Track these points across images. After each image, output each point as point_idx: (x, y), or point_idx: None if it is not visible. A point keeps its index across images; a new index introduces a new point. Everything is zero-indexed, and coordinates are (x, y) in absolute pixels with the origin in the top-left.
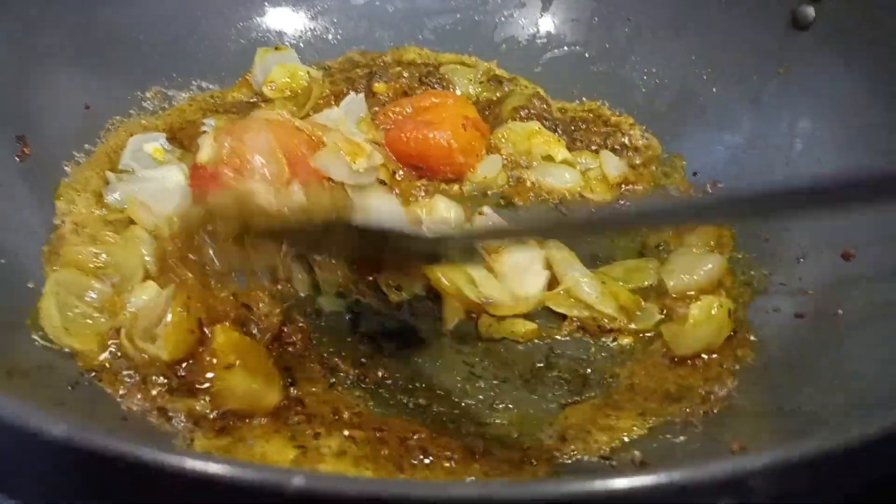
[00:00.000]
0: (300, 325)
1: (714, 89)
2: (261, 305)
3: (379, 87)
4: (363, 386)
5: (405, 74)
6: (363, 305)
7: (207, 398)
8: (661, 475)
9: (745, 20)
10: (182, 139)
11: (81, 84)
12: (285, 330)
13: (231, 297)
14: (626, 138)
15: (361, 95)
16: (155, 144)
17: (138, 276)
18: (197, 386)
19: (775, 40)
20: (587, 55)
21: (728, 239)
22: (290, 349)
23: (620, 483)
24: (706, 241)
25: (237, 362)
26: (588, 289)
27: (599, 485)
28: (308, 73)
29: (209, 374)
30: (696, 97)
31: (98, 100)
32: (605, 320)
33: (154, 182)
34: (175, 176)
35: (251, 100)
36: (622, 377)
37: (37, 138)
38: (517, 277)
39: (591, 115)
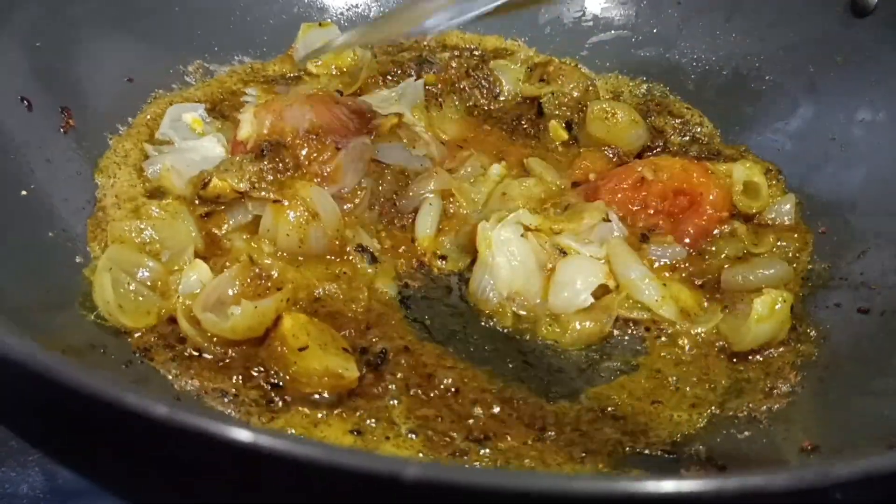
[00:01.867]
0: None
1: (768, 77)
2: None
3: (429, 77)
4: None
5: (453, 65)
6: (413, 291)
7: (279, 381)
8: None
9: (801, 5)
10: (222, 110)
11: (124, 56)
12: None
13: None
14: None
15: (421, 81)
16: (194, 114)
17: (189, 252)
18: (266, 369)
19: (833, 27)
20: (634, 39)
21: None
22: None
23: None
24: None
25: (309, 344)
26: (649, 291)
27: (695, 484)
28: (353, 50)
29: (282, 361)
30: (748, 84)
31: (141, 73)
32: (665, 325)
33: (192, 152)
34: (214, 147)
35: (294, 74)
36: (680, 370)
37: (80, 110)
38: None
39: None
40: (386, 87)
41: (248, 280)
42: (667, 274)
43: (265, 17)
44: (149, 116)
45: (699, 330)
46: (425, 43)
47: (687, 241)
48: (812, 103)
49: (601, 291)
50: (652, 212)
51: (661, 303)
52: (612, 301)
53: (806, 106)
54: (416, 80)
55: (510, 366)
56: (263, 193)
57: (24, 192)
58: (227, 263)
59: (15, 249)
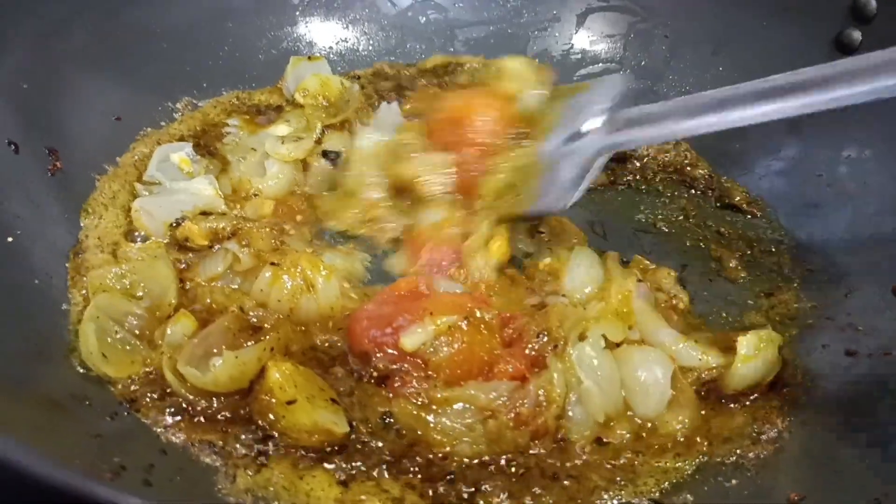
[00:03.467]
0: None
1: None
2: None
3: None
4: None
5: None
6: None
7: (266, 433)
8: None
9: (788, 41)
10: (207, 144)
11: (112, 96)
12: None
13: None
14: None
15: (395, 103)
16: (181, 154)
17: (171, 295)
18: (253, 421)
19: (819, 63)
20: (622, 72)
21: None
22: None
23: None
24: None
25: (297, 397)
26: (687, 353)
27: None
28: (342, 82)
29: (270, 414)
30: None
31: (129, 111)
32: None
33: (185, 195)
34: (205, 188)
35: (279, 104)
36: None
37: (68, 151)
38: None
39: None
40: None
41: (238, 331)
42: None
43: (254, 52)
44: (136, 157)
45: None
46: (405, 71)
47: None
48: (798, 140)
49: None
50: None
51: (704, 358)
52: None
53: (792, 143)
54: (388, 103)
55: None
56: (229, 246)
57: (9, 239)
58: (208, 315)
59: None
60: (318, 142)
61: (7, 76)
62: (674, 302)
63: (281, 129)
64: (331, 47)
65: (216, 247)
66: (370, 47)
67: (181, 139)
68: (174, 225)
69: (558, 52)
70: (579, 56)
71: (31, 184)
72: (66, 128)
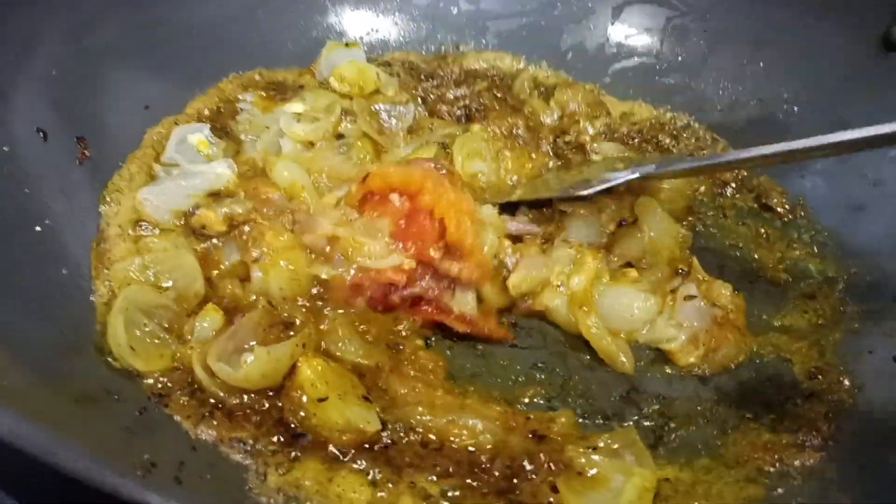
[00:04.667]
0: None
1: (796, 108)
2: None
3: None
4: None
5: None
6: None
7: (297, 431)
8: None
9: (832, 37)
10: (223, 123)
11: (142, 85)
12: None
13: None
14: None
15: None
16: (199, 136)
17: (198, 285)
18: (284, 418)
19: (864, 61)
20: (659, 66)
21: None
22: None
23: None
24: None
25: (329, 394)
26: None
27: None
28: (378, 74)
29: (301, 411)
30: (776, 115)
31: (157, 100)
32: None
33: (199, 178)
34: (224, 172)
35: (301, 84)
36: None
37: (96, 140)
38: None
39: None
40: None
41: (268, 327)
42: None
43: (283, 42)
44: (154, 137)
45: None
46: (449, 69)
47: None
48: None
49: None
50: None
51: None
52: None
53: None
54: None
55: None
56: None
57: (38, 228)
58: (232, 307)
59: (30, 289)
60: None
61: (39, 66)
62: (731, 317)
63: (296, 106)
64: (361, 37)
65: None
66: (401, 38)
67: (199, 118)
68: (189, 213)
69: (593, 46)
70: (615, 50)
71: (60, 172)
72: (95, 117)
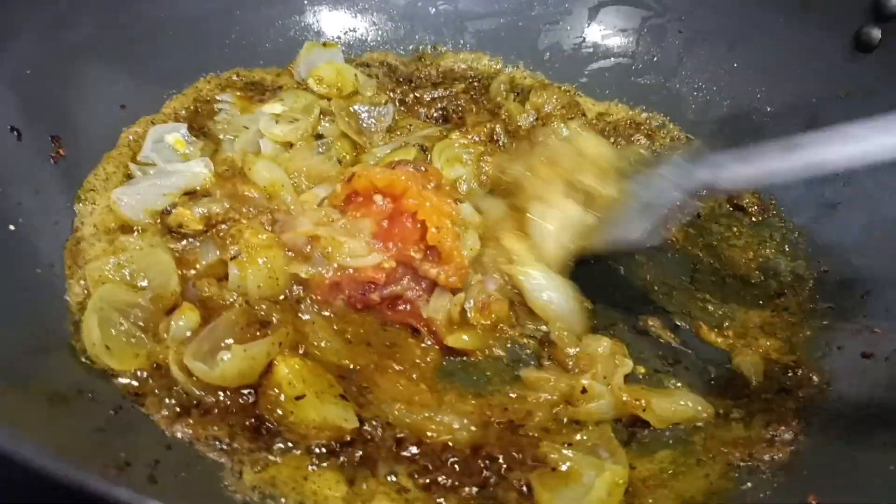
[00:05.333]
0: None
1: (769, 108)
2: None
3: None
4: None
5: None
6: None
7: (274, 429)
8: None
9: (805, 38)
10: (199, 124)
11: (117, 84)
12: None
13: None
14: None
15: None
16: (176, 136)
17: (173, 283)
18: (260, 416)
19: (836, 61)
20: (634, 67)
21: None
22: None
23: None
24: None
25: (306, 392)
26: None
27: None
28: (356, 76)
29: (278, 409)
30: (750, 115)
31: (134, 99)
32: None
33: (176, 177)
34: (201, 171)
35: (279, 85)
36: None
37: (71, 138)
38: None
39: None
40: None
41: (245, 325)
42: None
43: (261, 41)
44: (131, 137)
45: None
46: (425, 71)
47: None
48: (815, 137)
49: None
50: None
51: None
52: None
53: (808, 139)
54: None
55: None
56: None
57: (11, 227)
58: (207, 307)
59: (1, 289)
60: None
61: (13, 63)
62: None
63: (275, 107)
64: (339, 37)
65: (209, 231)
66: (378, 37)
67: (175, 118)
68: (165, 212)
69: (569, 46)
70: (591, 50)
71: (34, 171)
72: (70, 115)
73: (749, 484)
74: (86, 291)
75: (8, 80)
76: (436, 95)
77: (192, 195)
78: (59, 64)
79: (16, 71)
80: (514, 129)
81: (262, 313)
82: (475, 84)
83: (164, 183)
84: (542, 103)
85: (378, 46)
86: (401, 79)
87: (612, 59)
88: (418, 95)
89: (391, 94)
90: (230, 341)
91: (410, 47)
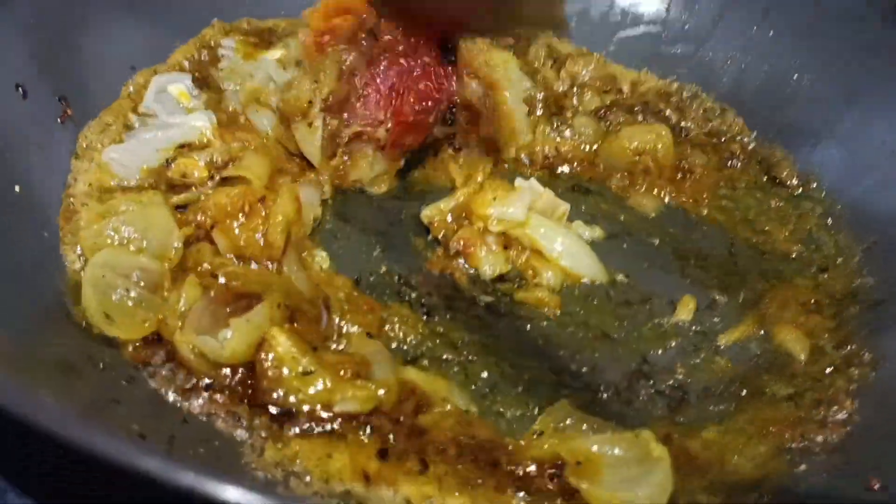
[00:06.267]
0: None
1: (806, 78)
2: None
3: None
4: None
5: None
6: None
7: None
8: None
9: (844, 4)
10: (205, 73)
11: (128, 42)
12: None
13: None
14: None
15: None
16: (180, 86)
17: (174, 237)
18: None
19: (876, 31)
20: (665, 35)
21: None
22: None
23: None
24: None
25: (313, 367)
26: None
27: None
28: None
29: (281, 389)
30: (786, 86)
31: (144, 59)
32: None
33: (178, 129)
34: (203, 124)
35: (288, 31)
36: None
37: (79, 99)
38: None
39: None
40: None
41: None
42: None
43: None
44: (131, 88)
45: None
46: None
47: None
48: (856, 107)
49: None
50: None
51: None
52: None
53: (850, 110)
54: None
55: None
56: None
57: (17, 189)
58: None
59: (9, 253)
60: None
61: (20, 19)
62: None
63: (277, 53)
64: None
65: (216, 177)
66: None
67: (179, 69)
68: (166, 165)
69: (598, 13)
70: (619, 18)
71: (40, 131)
72: (78, 74)
73: (803, 466)
74: (82, 259)
75: (15, 36)
76: None
77: (187, 148)
78: (66, 21)
79: (23, 26)
80: (550, 95)
81: (235, 283)
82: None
83: (160, 136)
84: (577, 72)
85: None
86: None
87: (642, 26)
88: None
89: None
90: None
91: None
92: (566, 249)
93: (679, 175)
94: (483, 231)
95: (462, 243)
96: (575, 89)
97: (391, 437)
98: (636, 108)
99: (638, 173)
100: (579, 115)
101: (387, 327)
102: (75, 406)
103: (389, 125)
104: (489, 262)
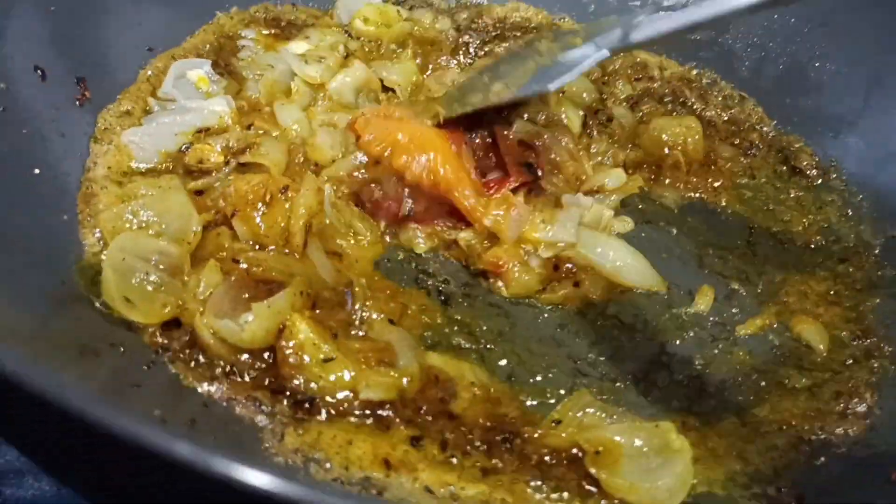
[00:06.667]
0: None
1: (828, 66)
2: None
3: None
4: None
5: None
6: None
7: (307, 392)
8: None
9: None
10: (226, 62)
11: (146, 23)
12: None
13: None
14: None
15: None
16: (199, 72)
17: (194, 222)
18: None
19: None
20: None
21: None
22: None
23: None
24: None
25: (336, 353)
26: None
27: None
28: (398, 11)
29: (302, 375)
30: (807, 74)
31: (162, 41)
32: None
33: (196, 114)
34: (222, 109)
35: (308, 22)
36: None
37: (97, 81)
38: None
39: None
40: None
41: (256, 284)
42: None
43: None
44: (150, 72)
45: None
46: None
47: None
48: (877, 96)
49: None
50: None
51: None
52: None
53: (871, 99)
54: None
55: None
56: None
57: (37, 171)
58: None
59: (29, 235)
60: (344, 64)
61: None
62: None
63: (301, 45)
64: None
65: (231, 162)
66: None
67: (197, 54)
68: (183, 151)
69: None
70: (638, 3)
71: (59, 113)
72: (96, 56)
73: (822, 459)
74: (101, 242)
75: (32, 17)
76: (505, 46)
77: (205, 133)
78: (86, 2)
79: (41, 7)
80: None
81: (257, 270)
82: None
83: (178, 120)
84: (606, 63)
85: None
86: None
87: (661, 12)
88: (488, 49)
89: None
90: (247, 301)
91: None
92: (623, 264)
93: (705, 168)
94: (529, 253)
95: (497, 262)
96: (606, 78)
97: (418, 423)
98: (666, 98)
99: (667, 167)
100: (616, 105)
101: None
102: (96, 389)
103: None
104: (523, 284)
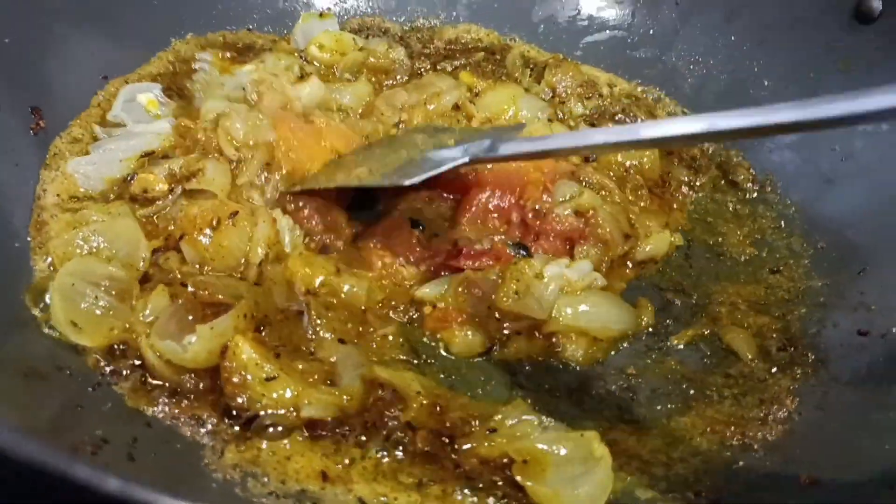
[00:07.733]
0: None
1: (766, 82)
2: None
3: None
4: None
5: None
6: None
7: (247, 412)
8: None
9: (804, 9)
10: (178, 85)
11: (99, 52)
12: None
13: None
14: None
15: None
16: (149, 95)
17: (143, 248)
18: (231, 396)
19: (836, 33)
20: (630, 40)
21: None
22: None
23: None
24: None
25: (278, 373)
26: None
27: None
28: (353, 39)
29: (245, 394)
30: (747, 89)
31: (117, 68)
32: None
33: (140, 139)
34: (163, 129)
35: (266, 47)
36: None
37: (51, 110)
38: None
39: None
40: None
41: (205, 307)
42: None
43: (250, 9)
44: (101, 97)
45: None
46: (433, 43)
47: None
48: None
49: None
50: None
51: None
52: None
53: None
54: None
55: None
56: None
57: None
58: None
59: None
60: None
61: None
62: None
63: (255, 67)
64: (329, 8)
65: (177, 189)
66: (370, 7)
67: (152, 79)
68: (127, 181)
69: (564, 19)
70: (586, 22)
71: (13, 143)
72: (49, 85)
73: (741, 463)
74: (52, 268)
75: None
76: (457, 65)
77: (150, 157)
78: (36, 31)
79: None
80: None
81: (204, 293)
82: (494, 56)
83: (123, 146)
84: (555, 82)
85: (371, 16)
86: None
87: (608, 31)
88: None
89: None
90: (191, 323)
91: (403, 17)
92: (599, 321)
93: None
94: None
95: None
96: (556, 99)
97: (358, 438)
98: (617, 115)
99: (630, 191)
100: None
101: None
102: (38, 413)
103: None
104: (464, 344)
